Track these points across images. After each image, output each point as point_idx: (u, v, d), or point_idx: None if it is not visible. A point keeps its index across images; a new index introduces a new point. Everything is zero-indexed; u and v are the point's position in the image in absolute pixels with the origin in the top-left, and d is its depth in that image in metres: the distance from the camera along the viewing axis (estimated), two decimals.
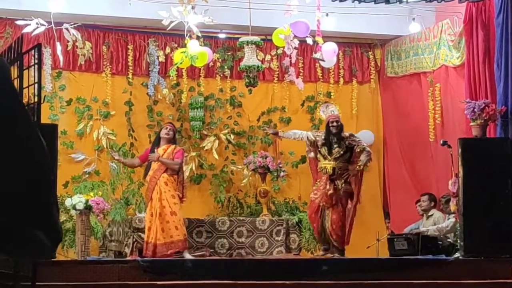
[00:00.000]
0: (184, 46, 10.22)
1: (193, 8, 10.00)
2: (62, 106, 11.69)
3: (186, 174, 11.63)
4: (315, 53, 10.29)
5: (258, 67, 10.40)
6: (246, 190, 12.16)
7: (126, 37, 12.05)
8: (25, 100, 6.42)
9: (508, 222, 8.85)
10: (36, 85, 6.75)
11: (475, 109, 9.59)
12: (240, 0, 10.59)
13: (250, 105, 12.54)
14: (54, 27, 10.02)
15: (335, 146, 9.82)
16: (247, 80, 10.46)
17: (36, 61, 6.90)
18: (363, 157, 9.86)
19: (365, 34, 12.41)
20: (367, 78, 13.02)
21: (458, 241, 9.29)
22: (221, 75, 12.40)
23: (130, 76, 12.00)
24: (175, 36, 11.75)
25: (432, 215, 10.65)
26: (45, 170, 1.31)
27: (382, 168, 12.93)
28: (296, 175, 12.36)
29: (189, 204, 10.96)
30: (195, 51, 9.94)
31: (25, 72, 6.70)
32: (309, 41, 10.31)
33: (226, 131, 12.35)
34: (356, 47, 13.00)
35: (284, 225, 10.88)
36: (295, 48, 10.41)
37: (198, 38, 10.18)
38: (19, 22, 10.26)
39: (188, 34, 10.05)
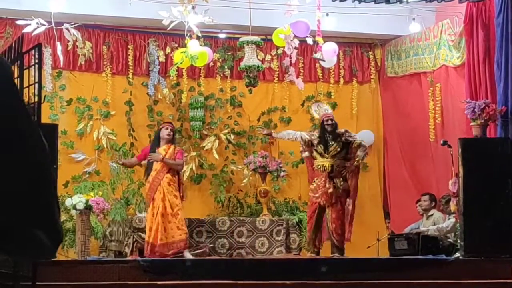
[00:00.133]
0: (184, 46, 10.23)
1: (193, 8, 10.01)
2: (62, 106, 11.69)
3: (187, 174, 11.65)
4: (315, 53, 10.30)
5: (258, 67, 10.40)
6: (246, 190, 12.16)
7: (126, 37, 12.05)
8: (25, 100, 6.42)
9: (508, 222, 8.85)
10: (36, 85, 6.76)
11: (475, 109, 9.59)
12: (240, 0, 10.59)
13: (250, 105, 12.54)
14: (54, 27, 10.02)
15: (331, 143, 9.84)
16: (247, 80, 10.47)
17: (37, 61, 6.90)
18: (360, 153, 9.89)
19: (365, 34, 12.41)
20: (367, 78, 13.02)
21: (458, 241, 9.30)
22: (221, 75, 12.40)
23: (130, 76, 12.00)
24: (175, 36, 11.75)
25: (432, 215, 10.65)
26: (46, 169, 1.31)
27: (382, 168, 12.93)
28: (296, 175, 12.35)
29: (189, 204, 10.97)
30: (195, 51, 9.94)
31: (25, 72, 6.70)
32: (309, 41, 10.31)
33: (226, 131, 12.35)
34: (356, 47, 13.00)
35: (284, 225, 10.88)
36: (295, 48, 10.42)
37: (198, 38, 10.19)
38: (19, 22, 10.27)
39: (188, 34, 10.06)
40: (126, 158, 11.30)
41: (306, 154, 10.13)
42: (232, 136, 12.36)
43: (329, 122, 9.91)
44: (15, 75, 6.17)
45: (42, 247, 1.30)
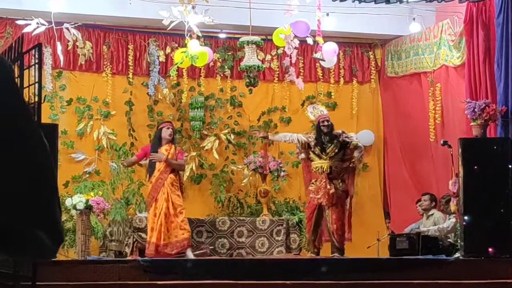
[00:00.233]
0: (185, 46, 10.23)
1: (193, 8, 10.01)
2: (63, 105, 11.69)
3: (187, 174, 11.65)
4: (316, 53, 10.30)
5: (258, 67, 10.40)
6: (247, 190, 12.16)
7: (127, 37, 12.05)
8: (25, 100, 6.42)
9: (508, 222, 8.85)
10: (36, 84, 6.76)
11: (476, 109, 9.59)
12: (240, 0, 10.59)
13: (251, 105, 12.54)
14: (54, 27, 10.02)
15: (328, 145, 9.84)
16: (247, 80, 10.47)
17: (37, 61, 6.91)
18: (356, 154, 9.91)
19: (366, 34, 12.41)
20: (368, 78, 13.02)
21: (459, 241, 9.30)
22: (222, 75, 12.40)
23: (130, 76, 12.00)
24: (175, 36, 11.75)
25: (432, 215, 10.64)
26: (47, 169, 1.31)
27: (383, 168, 12.93)
28: (296, 175, 12.35)
29: (189, 204, 10.96)
30: (196, 51, 9.94)
31: (26, 72, 6.71)
32: (310, 41, 10.31)
33: (226, 131, 12.35)
34: (357, 47, 13.00)
35: (285, 225, 10.88)
36: (295, 48, 10.42)
37: (198, 38, 10.19)
38: (19, 22, 10.27)
39: (189, 34, 10.06)
40: (126, 159, 11.30)
41: (303, 156, 10.12)
42: (232, 136, 12.36)
43: (325, 123, 9.90)
44: (16, 75, 6.17)
45: (43, 247, 1.30)
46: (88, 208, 9.53)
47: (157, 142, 9.89)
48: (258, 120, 12.53)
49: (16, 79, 6.11)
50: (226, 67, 12.35)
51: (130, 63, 11.99)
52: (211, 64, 11.96)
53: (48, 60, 11.07)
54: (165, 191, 9.55)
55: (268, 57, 12.37)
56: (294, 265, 8.85)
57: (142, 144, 11.82)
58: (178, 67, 10.50)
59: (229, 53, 12.39)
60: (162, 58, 11.95)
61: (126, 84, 12.00)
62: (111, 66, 11.88)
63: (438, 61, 11.58)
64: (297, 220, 11.13)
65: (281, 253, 10.67)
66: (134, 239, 10.11)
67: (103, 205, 9.63)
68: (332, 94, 12.78)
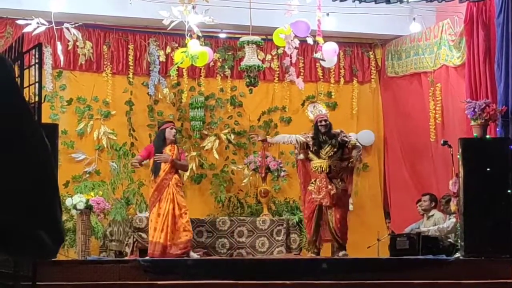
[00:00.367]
0: (185, 45, 10.23)
1: (193, 7, 10.01)
2: (63, 105, 11.69)
3: (187, 174, 11.65)
4: (316, 53, 10.30)
5: (258, 66, 10.40)
6: (247, 190, 12.15)
7: (127, 36, 12.05)
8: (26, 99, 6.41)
9: (509, 222, 8.85)
10: (36, 84, 6.76)
11: (476, 109, 9.59)
12: (240, 0, 10.59)
13: (251, 105, 12.54)
14: (54, 27, 10.02)
15: (327, 144, 9.83)
16: (247, 80, 10.47)
17: (37, 61, 6.91)
18: (355, 153, 9.91)
19: (366, 34, 12.41)
20: (368, 78, 13.02)
21: (459, 241, 9.30)
22: (222, 75, 12.39)
23: (130, 75, 12.00)
24: (175, 36, 11.75)
25: (432, 215, 10.64)
26: (48, 169, 1.31)
27: (383, 168, 12.93)
28: (296, 175, 12.33)
29: (189, 204, 10.94)
30: (196, 51, 9.94)
31: (26, 72, 6.71)
32: (310, 41, 10.31)
33: (226, 130, 12.35)
34: (357, 47, 13.00)
35: (285, 225, 10.87)
36: (295, 48, 10.42)
37: (198, 37, 10.19)
38: (19, 22, 10.27)
39: (189, 34, 10.06)
40: (126, 158, 11.31)
41: (301, 156, 10.11)
42: (233, 136, 12.36)
43: (323, 123, 9.89)
44: (16, 75, 6.16)
45: (44, 247, 1.30)
46: (88, 208, 9.53)
47: (161, 142, 9.84)
48: (258, 120, 12.53)
49: (16, 79, 6.10)
50: (226, 67, 12.35)
51: (130, 63, 11.99)
52: (211, 64, 11.96)
53: (48, 60, 11.07)
54: (170, 191, 9.57)
55: (269, 57, 12.37)
56: (294, 265, 8.85)
57: (142, 144, 11.82)
58: (178, 67, 10.50)
59: (229, 53, 12.39)
60: (162, 58, 11.95)
61: (126, 84, 12.00)
62: (111, 66, 11.88)
63: (438, 61, 11.59)
64: (297, 220, 11.12)
65: (281, 253, 10.66)
66: (134, 239, 10.11)
67: (103, 205, 9.63)
68: (332, 94, 12.78)
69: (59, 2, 10.34)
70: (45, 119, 9.61)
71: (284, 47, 10.59)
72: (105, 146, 11.75)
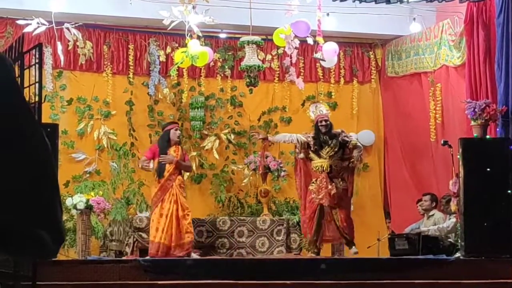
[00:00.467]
0: (185, 45, 10.23)
1: (194, 7, 10.01)
2: (63, 105, 11.69)
3: (187, 174, 11.64)
4: (316, 53, 10.30)
5: (258, 66, 10.40)
6: (247, 190, 12.16)
7: (127, 36, 12.05)
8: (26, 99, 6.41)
9: (509, 222, 8.85)
10: (37, 84, 6.77)
11: (476, 109, 9.59)
12: (240, 0, 10.59)
13: (251, 105, 12.54)
14: (55, 27, 10.01)
15: (328, 144, 9.83)
16: (247, 80, 10.46)
17: (37, 61, 6.91)
18: (355, 153, 9.90)
19: (366, 34, 12.41)
20: (368, 78, 13.02)
21: (459, 241, 9.30)
22: (222, 75, 12.40)
23: (131, 75, 12.00)
24: (176, 36, 11.75)
25: (433, 215, 10.64)
26: (49, 168, 1.31)
27: (383, 168, 12.93)
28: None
29: (190, 204, 10.93)
30: (196, 51, 9.94)
31: (26, 72, 6.71)
32: (310, 41, 10.31)
33: (226, 130, 12.35)
34: (357, 47, 13.00)
35: (285, 225, 10.87)
36: (295, 48, 10.42)
37: (198, 37, 10.19)
38: (20, 22, 10.27)
39: (189, 34, 10.06)
40: (126, 158, 11.32)
41: (302, 155, 10.11)
42: (233, 136, 12.36)
43: (323, 123, 9.89)
44: (16, 75, 6.17)
45: (44, 247, 1.29)
46: (89, 208, 9.53)
47: (165, 143, 9.85)
48: (259, 120, 12.53)
49: (17, 79, 6.11)
50: (226, 67, 12.36)
51: (130, 63, 11.99)
52: (212, 64, 11.96)
53: (48, 60, 11.07)
54: (174, 192, 9.59)
55: (269, 57, 12.37)
56: (295, 265, 8.85)
57: (143, 144, 11.83)
58: (178, 67, 10.50)
59: (230, 53, 12.39)
60: (162, 58, 11.95)
61: (126, 84, 12.00)
62: (111, 66, 11.88)
63: (439, 61, 11.59)
64: (298, 220, 11.10)
65: (281, 253, 10.66)
66: (135, 239, 10.11)
67: (103, 205, 9.63)
68: (333, 94, 12.78)
69: (59, 2, 10.34)
70: (45, 119, 9.61)
71: (284, 47, 10.59)
72: (105, 146, 11.75)
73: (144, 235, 10.02)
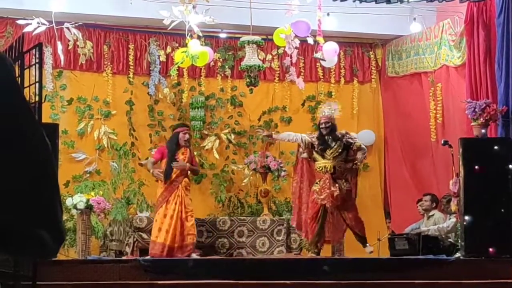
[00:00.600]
0: (185, 45, 10.22)
1: (194, 7, 10.01)
2: (63, 105, 11.69)
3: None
4: (316, 52, 10.29)
5: (259, 66, 10.40)
6: (247, 190, 12.16)
7: (127, 36, 12.05)
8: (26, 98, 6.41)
9: (509, 222, 8.85)
10: (37, 84, 6.76)
11: (476, 109, 9.59)
12: (241, 0, 10.59)
13: (251, 105, 12.54)
14: (55, 27, 10.01)
15: (332, 145, 9.82)
16: (248, 80, 10.46)
17: (37, 61, 6.91)
18: (359, 155, 9.89)
19: (366, 34, 12.41)
20: (368, 77, 13.02)
21: (459, 241, 9.29)
22: (222, 75, 12.40)
23: (131, 75, 12.00)
24: (176, 36, 11.74)
25: (433, 215, 10.63)
26: (49, 168, 1.31)
27: (383, 168, 12.93)
28: None
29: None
30: (196, 51, 9.94)
31: (26, 72, 6.71)
32: (310, 40, 10.31)
33: (226, 130, 12.35)
34: (357, 47, 13.00)
35: (285, 225, 10.86)
36: (296, 47, 10.41)
37: (199, 37, 10.18)
38: (20, 22, 10.26)
39: (189, 34, 10.06)
40: (127, 158, 11.32)
41: (305, 155, 10.10)
42: (233, 136, 12.36)
43: (323, 125, 9.89)
44: (16, 74, 6.16)
45: (44, 247, 1.29)
46: (89, 207, 9.53)
47: (174, 146, 9.87)
48: (259, 119, 12.53)
49: (17, 79, 6.11)
50: (226, 66, 12.36)
51: (130, 63, 11.99)
52: (212, 63, 11.96)
53: (48, 60, 11.07)
54: (179, 193, 9.63)
55: (269, 56, 12.37)
56: (295, 265, 8.85)
57: (143, 143, 11.84)
58: (178, 66, 10.50)
59: (230, 53, 12.39)
60: (162, 58, 11.95)
61: (126, 84, 12.00)
62: (111, 65, 11.88)
63: (439, 61, 11.58)
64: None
65: (281, 253, 10.66)
66: (135, 239, 10.11)
67: (103, 204, 9.63)
68: (333, 94, 12.78)
69: (59, 2, 10.34)
70: (46, 119, 9.61)
71: (284, 47, 10.58)
72: (106, 146, 11.75)
73: (144, 235, 10.02)
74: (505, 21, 9.61)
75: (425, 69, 11.97)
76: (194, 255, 9.62)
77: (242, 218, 11.07)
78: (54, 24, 10.01)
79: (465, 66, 10.64)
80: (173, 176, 9.69)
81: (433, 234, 10.13)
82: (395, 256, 9.74)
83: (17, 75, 6.21)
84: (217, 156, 12.18)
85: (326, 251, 10.35)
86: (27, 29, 9.82)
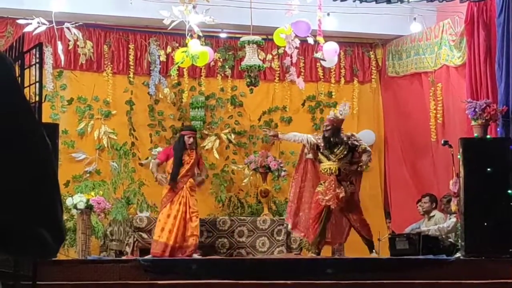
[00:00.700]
0: (185, 45, 10.23)
1: (194, 7, 10.01)
2: (63, 105, 11.69)
3: None
4: (316, 52, 10.29)
5: (259, 66, 10.40)
6: (247, 190, 12.16)
7: (127, 36, 12.05)
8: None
9: (509, 222, 8.85)
10: (37, 84, 6.77)
11: (476, 109, 9.59)
12: (241, 0, 10.59)
13: (251, 105, 12.54)
14: (55, 26, 10.01)
15: (336, 147, 9.80)
16: (248, 80, 10.46)
17: (37, 60, 6.91)
18: (364, 158, 9.87)
19: (366, 33, 12.41)
20: (368, 77, 13.02)
21: (459, 241, 9.29)
22: (222, 75, 12.40)
23: (131, 75, 12.00)
24: (176, 36, 11.74)
25: (433, 216, 10.63)
26: (49, 167, 1.31)
27: (383, 168, 12.92)
28: None
29: None
30: (196, 51, 9.94)
31: (26, 71, 6.71)
32: (310, 40, 10.31)
33: (227, 130, 12.35)
34: (357, 47, 12.99)
35: (285, 225, 10.86)
36: (296, 47, 10.41)
37: (199, 37, 10.18)
38: (20, 21, 10.26)
39: (189, 34, 10.06)
40: (127, 158, 11.32)
41: (310, 156, 10.10)
42: (233, 136, 12.36)
43: (324, 127, 9.90)
44: (16, 74, 6.16)
45: (44, 246, 1.29)
46: (89, 207, 9.53)
47: (181, 150, 9.92)
48: (259, 119, 12.53)
49: (17, 79, 6.10)
50: (227, 66, 12.35)
51: (131, 63, 11.99)
52: (212, 63, 11.96)
53: (48, 60, 11.07)
54: (184, 194, 9.67)
55: (269, 56, 12.37)
56: (295, 265, 8.84)
57: (143, 143, 11.84)
58: (178, 66, 10.50)
59: (230, 53, 12.39)
60: (163, 58, 11.95)
61: (126, 84, 12.00)
62: (111, 65, 11.88)
63: (439, 61, 11.58)
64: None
65: (281, 253, 10.65)
66: (135, 239, 10.12)
67: (103, 204, 9.64)
68: (333, 93, 12.78)
69: (59, 1, 10.34)
70: (46, 118, 9.61)
71: (284, 47, 10.58)
72: (106, 145, 11.75)
73: (144, 235, 10.02)
74: (505, 21, 9.61)
75: (425, 69, 11.97)
76: (195, 255, 9.63)
77: (242, 218, 11.07)
78: (54, 24, 10.01)
79: (465, 66, 10.64)
80: (179, 177, 9.72)
81: (433, 234, 10.13)
82: (395, 256, 9.73)
83: (17, 75, 6.21)
84: (217, 156, 12.18)
85: (326, 251, 10.35)
86: (27, 29, 9.82)
